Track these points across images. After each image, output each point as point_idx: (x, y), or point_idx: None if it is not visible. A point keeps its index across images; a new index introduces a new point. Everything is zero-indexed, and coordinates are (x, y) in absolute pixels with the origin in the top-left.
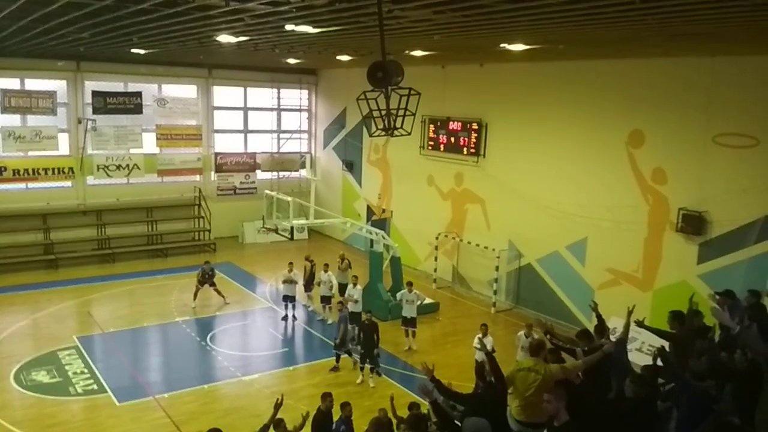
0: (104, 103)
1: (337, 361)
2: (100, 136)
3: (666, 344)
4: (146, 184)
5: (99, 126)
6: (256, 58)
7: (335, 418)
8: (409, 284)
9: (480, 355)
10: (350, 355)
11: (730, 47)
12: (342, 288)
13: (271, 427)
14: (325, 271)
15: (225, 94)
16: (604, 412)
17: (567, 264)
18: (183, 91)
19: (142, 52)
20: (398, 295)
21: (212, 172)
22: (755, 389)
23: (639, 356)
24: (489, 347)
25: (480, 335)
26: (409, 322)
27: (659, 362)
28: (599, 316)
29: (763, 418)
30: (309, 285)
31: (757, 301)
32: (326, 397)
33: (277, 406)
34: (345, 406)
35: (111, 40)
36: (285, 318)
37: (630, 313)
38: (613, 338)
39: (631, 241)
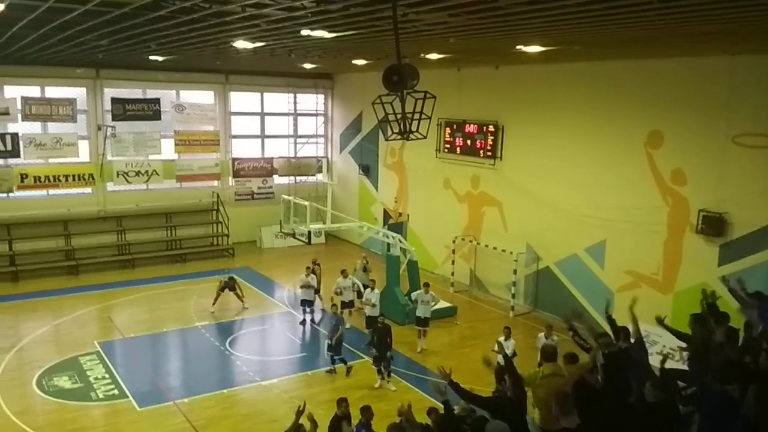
0: (123, 110)
1: (333, 363)
2: (119, 142)
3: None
4: (165, 189)
5: (118, 132)
6: (273, 64)
7: (354, 422)
8: (426, 285)
9: (500, 358)
10: (344, 362)
11: (748, 46)
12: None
13: None
14: (345, 277)
15: (242, 99)
16: (626, 417)
17: (586, 267)
18: (200, 97)
19: (160, 58)
20: (413, 294)
21: (230, 178)
22: None
23: (660, 359)
24: (510, 350)
25: (502, 338)
26: (423, 322)
27: (667, 365)
28: (611, 321)
29: None
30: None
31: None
32: (341, 402)
33: (299, 413)
34: (365, 410)
35: (129, 47)
36: (303, 322)
37: (631, 307)
38: (632, 340)
39: (650, 243)
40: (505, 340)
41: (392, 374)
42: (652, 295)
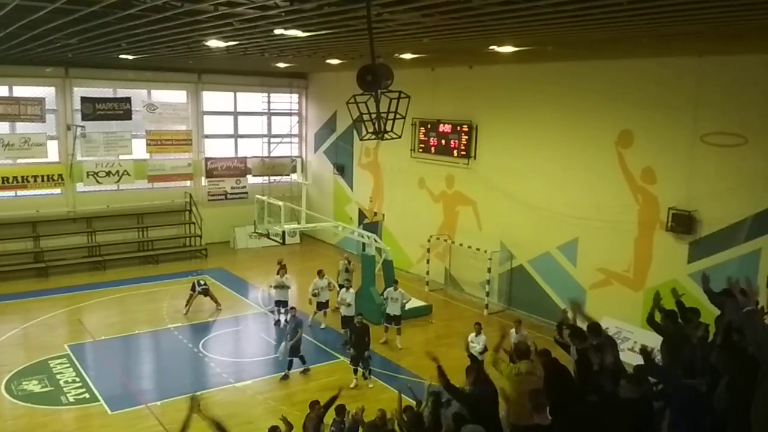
0: (93, 110)
1: (289, 368)
2: (89, 142)
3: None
4: (136, 190)
5: (88, 132)
6: (246, 63)
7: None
8: (395, 282)
9: (475, 351)
10: (303, 361)
11: (717, 47)
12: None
13: None
14: (321, 277)
15: (215, 98)
16: (597, 413)
17: (558, 264)
18: (172, 96)
19: (130, 57)
20: (385, 293)
21: (203, 178)
22: (751, 384)
23: (631, 356)
24: (481, 346)
25: (473, 334)
26: (393, 320)
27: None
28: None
29: (756, 414)
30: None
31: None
32: (314, 405)
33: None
34: (341, 410)
35: (99, 46)
36: (278, 323)
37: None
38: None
39: (621, 241)
40: (476, 335)
41: (371, 374)
42: (624, 292)
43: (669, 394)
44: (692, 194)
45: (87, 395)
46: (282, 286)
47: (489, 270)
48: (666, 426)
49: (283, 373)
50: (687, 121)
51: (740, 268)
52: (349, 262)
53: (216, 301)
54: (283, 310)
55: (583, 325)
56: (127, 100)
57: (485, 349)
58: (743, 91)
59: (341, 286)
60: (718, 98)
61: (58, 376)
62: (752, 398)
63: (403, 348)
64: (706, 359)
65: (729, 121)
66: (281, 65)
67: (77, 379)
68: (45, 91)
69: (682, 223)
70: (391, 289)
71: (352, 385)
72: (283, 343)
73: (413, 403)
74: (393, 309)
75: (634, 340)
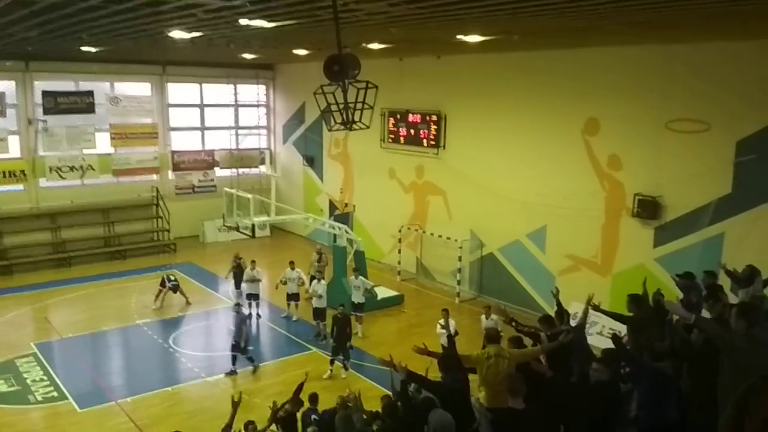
0: (55, 103)
1: (234, 363)
2: (51, 137)
3: (620, 328)
4: (101, 185)
5: (50, 127)
6: (212, 54)
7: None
8: (355, 270)
9: (444, 339)
10: (252, 361)
11: (682, 34)
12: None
13: (243, 428)
14: (292, 269)
15: (180, 91)
16: (569, 396)
17: (528, 252)
18: (136, 88)
19: (92, 49)
20: (347, 282)
21: (169, 171)
22: (712, 368)
23: (599, 340)
24: (451, 331)
25: (441, 321)
26: (357, 307)
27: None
28: (559, 303)
29: (724, 395)
30: (238, 282)
31: (714, 281)
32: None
33: (235, 404)
34: (314, 398)
35: (60, 39)
36: (249, 316)
37: (589, 300)
38: (573, 323)
39: (589, 228)
40: (445, 321)
41: (347, 368)
42: (592, 277)
43: (637, 376)
44: (657, 180)
45: (55, 393)
46: (253, 280)
47: (460, 258)
48: (634, 407)
49: (229, 369)
50: (652, 109)
51: (704, 252)
52: (321, 254)
53: (185, 296)
54: (254, 304)
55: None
56: (90, 93)
57: (456, 333)
58: (707, 78)
59: (312, 278)
60: (683, 85)
61: (25, 375)
62: (714, 380)
63: (366, 337)
64: (672, 343)
65: (693, 108)
66: (247, 56)
67: (45, 378)
68: (5, 86)
69: (648, 208)
70: (352, 277)
71: (325, 376)
72: (233, 340)
73: (389, 392)
74: (357, 297)
75: (602, 325)
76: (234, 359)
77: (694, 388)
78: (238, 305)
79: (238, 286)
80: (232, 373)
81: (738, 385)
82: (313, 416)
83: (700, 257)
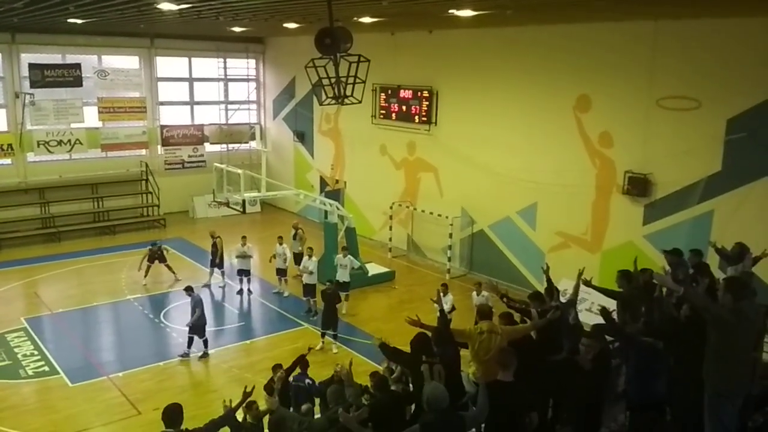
0: (42, 76)
1: (189, 345)
2: (39, 110)
3: (609, 304)
4: (90, 159)
5: (37, 100)
6: (200, 27)
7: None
8: (344, 249)
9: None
10: (206, 345)
11: (673, 10)
12: (297, 258)
13: (243, 408)
14: (280, 244)
15: (169, 64)
16: (558, 368)
17: (518, 229)
18: (124, 62)
19: (79, 21)
20: (334, 260)
21: (159, 146)
22: (697, 344)
23: (589, 316)
24: (448, 306)
25: (440, 295)
26: (342, 286)
27: (594, 321)
28: (549, 279)
29: (708, 368)
30: (218, 261)
31: (699, 260)
32: (277, 368)
33: (247, 394)
34: (303, 362)
35: (46, 10)
36: (240, 292)
37: (579, 275)
38: (563, 299)
39: (579, 205)
40: (444, 296)
41: (337, 339)
42: (581, 254)
43: (626, 351)
44: (648, 158)
45: (46, 368)
46: (244, 256)
47: (450, 235)
48: (623, 381)
49: (183, 353)
50: (643, 86)
51: (693, 229)
52: (296, 230)
53: (173, 271)
54: (245, 279)
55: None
56: (77, 66)
57: (453, 309)
58: (698, 55)
59: (296, 255)
60: (674, 62)
61: (15, 350)
62: (699, 357)
63: (357, 313)
64: (661, 318)
65: (684, 85)
66: (237, 29)
67: (35, 353)
68: None
69: (638, 186)
70: (340, 255)
71: (318, 347)
72: (187, 324)
73: (379, 368)
74: (342, 275)
75: (592, 301)
76: (190, 341)
77: (677, 364)
78: (189, 288)
79: (212, 264)
80: (185, 356)
81: (725, 356)
82: (307, 380)
83: (689, 235)
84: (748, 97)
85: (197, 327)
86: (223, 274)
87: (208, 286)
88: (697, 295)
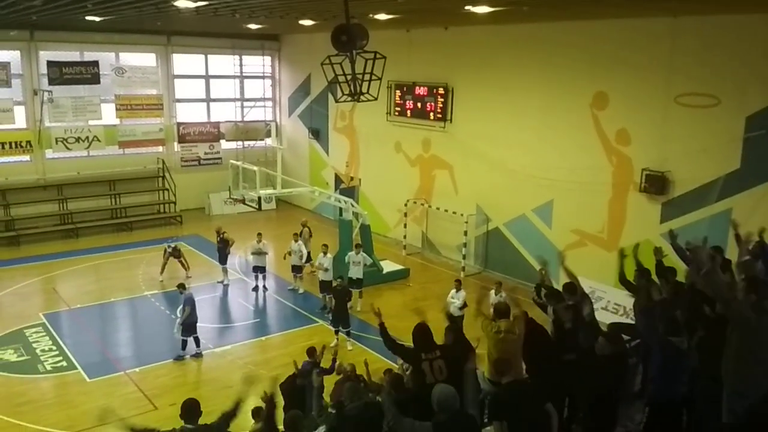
0: (60, 74)
1: (183, 347)
2: (57, 107)
3: (625, 303)
4: (107, 156)
5: (56, 97)
6: (217, 24)
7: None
8: (357, 246)
9: (454, 309)
10: (197, 343)
11: (691, 6)
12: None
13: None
14: (295, 241)
15: (185, 62)
16: (574, 367)
17: (534, 227)
18: (141, 59)
19: (97, 19)
20: (347, 257)
21: (175, 143)
22: (719, 341)
23: (605, 314)
24: (460, 302)
25: (453, 290)
26: (355, 283)
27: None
28: (570, 274)
29: (728, 368)
30: (222, 257)
31: (721, 257)
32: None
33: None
34: (312, 352)
35: (64, 8)
36: (255, 289)
37: (562, 260)
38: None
39: (595, 203)
40: (456, 292)
41: (350, 336)
42: (598, 252)
43: (646, 350)
44: (665, 155)
45: (64, 363)
46: (259, 253)
47: (465, 233)
48: (639, 381)
49: (177, 355)
50: (660, 83)
51: (711, 227)
52: (304, 227)
53: (186, 268)
54: (261, 276)
55: (555, 283)
56: (95, 63)
57: (465, 305)
58: (716, 51)
59: (309, 253)
60: (692, 59)
61: (34, 345)
62: (721, 354)
63: (370, 310)
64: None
65: (702, 82)
66: (253, 27)
67: (54, 348)
68: (10, 55)
69: (655, 183)
70: (353, 252)
71: (332, 344)
72: (177, 322)
73: (395, 366)
74: (355, 272)
75: (608, 300)
76: (184, 344)
77: (702, 362)
78: (182, 285)
79: (222, 261)
80: (179, 359)
81: (745, 355)
82: (316, 370)
83: (707, 233)
84: (767, 94)
85: (187, 325)
86: (225, 270)
87: (227, 285)
88: (719, 283)
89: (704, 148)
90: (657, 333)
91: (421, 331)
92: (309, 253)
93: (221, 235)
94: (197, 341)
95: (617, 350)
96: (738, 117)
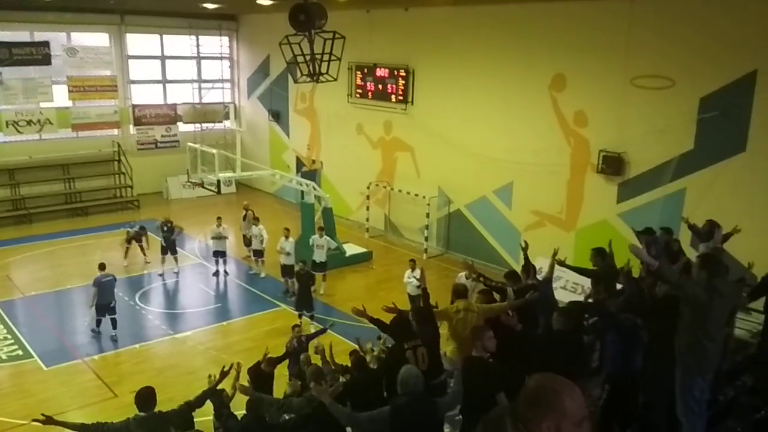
0: (9, 54)
1: (97, 325)
2: (7, 89)
3: (583, 282)
4: (60, 139)
5: (5, 79)
6: (172, 3)
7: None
8: (320, 229)
9: (411, 288)
10: (114, 325)
11: None
12: (246, 241)
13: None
14: (256, 225)
15: (140, 42)
16: (532, 344)
17: (494, 208)
18: (94, 39)
19: None
20: (310, 240)
21: (131, 126)
22: (670, 321)
23: (563, 294)
24: (414, 282)
25: (409, 271)
26: (318, 267)
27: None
28: (526, 257)
29: (680, 344)
30: (173, 246)
31: (670, 238)
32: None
33: (224, 374)
34: (295, 327)
35: None
36: (216, 273)
37: (555, 254)
38: (539, 277)
39: (554, 184)
40: (412, 271)
41: (313, 320)
42: (556, 233)
43: (600, 328)
44: (622, 137)
45: (20, 352)
46: (220, 237)
47: (428, 215)
48: (596, 357)
49: (91, 329)
50: (618, 65)
51: (666, 207)
52: (247, 211)
53: (145, 254)
54: (221, 261)
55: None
56: (46, 44)
57: (418, 286)
58: (672, 33)
59: (244, 236)
60: (648, 41)
61: None
62: (672, 331)
63: (334, 293)
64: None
65: (658, 64)
66: (209, 6)
67: (9, 336)
68: None
69: (612, 164)
70: (316, 236)
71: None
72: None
73: (356, 347)
74: (318, 256)
75: (566, 279)
76: (98, 322)
77: (652, 340)
78: (102, 265)
79: (173, 250)
80: (94, 332)
81: (697, 333)
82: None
83: (661, 213)
84: (721, 75)
85: (98, 306)
86: (171, 260)
87: (161, 275)
88: (671, 272)
89: (659, 129)
90: (610, 312)
91: (398, 323)
92: (252, 237)
93: (169, 224)
94: (113, 323)
95: (573, 326)
96: (692, 98)
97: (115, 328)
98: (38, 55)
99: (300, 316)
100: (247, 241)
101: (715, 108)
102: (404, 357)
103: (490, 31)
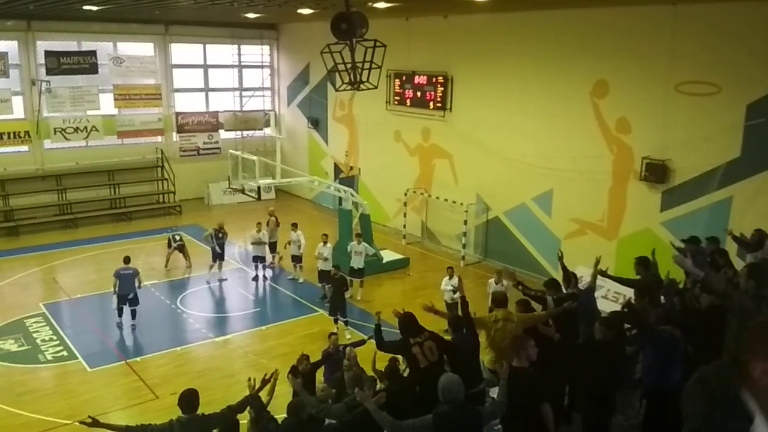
0: (58, 64)
1: (119, 315)
2: (55, 97)
3: (626, 292)
4: (106, 146)
5: (54, 87)
6: (215, 13)
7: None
8: (358, 236)
9: (448, 296)
10: (133, 316)
11: None
12: (272, 246)
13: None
14: (294, 230)
15: (183, 51)
16: (572, 354)
17: (534, 216)
18: (139, 49)
19: (94, 8)
20: (348, 246)
21: (174, 133)
22: (715, 333)
23: (605, 303)
24: (451, 289)
25: (446, 278)
26: (356, 273)
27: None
28: (564, 267)
29: (728, 356)
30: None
31: (717, 247)
32: (302, 359)
33: (265, 382)
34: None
35: None
36: (255, 278)
37: (597, 263)
38: (581, 286)
39: (595, 191)
40: (449, 279)
41: (348, 325)
42: (598, 241)
43: (644, 339)
44: (666, 144)
45: (65, 353)
46: (259, 242)
47: (465, 222)
48: (639, 369)
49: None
50: (661, 71)
51: (711, 216)
52: (271, 217)
53: (187, 259)
54: (261, 266)
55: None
56: (93, 53)
57: (455, 292)
58: (717, 39)
59: (270, 243)
60: (693, 47)
61: (34, 335)
62: (716, 344)
63: (371, 299)
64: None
65: (703, 70)
66: (251, 16)
67: (54, 338)
68: (7, 45)
69: (656, 172)
70: (354, 243)
71: (333, 330)
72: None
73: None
74: (356, 262)
75: (608, 288)
76: (120, 311)
77: (696, 353)
78: (126, 258)
79: (216, 257)
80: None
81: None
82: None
83: (707, 221)
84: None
85: (119, 296)
86: (221, 266)
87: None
88: (717, 281)
89: (705, 136)
90: (647, 323)
91: (406, 319)
92: (275, 243)
93: (223, 231)
94: (133, 314)
95: (615, 336)
96: (739, 105)
97: (134, 318)
98: (85, 64)
99: (335, 321)
100: (273, 247)
101: (762, 115)
102: (441, 369)
103: (528, 38)
